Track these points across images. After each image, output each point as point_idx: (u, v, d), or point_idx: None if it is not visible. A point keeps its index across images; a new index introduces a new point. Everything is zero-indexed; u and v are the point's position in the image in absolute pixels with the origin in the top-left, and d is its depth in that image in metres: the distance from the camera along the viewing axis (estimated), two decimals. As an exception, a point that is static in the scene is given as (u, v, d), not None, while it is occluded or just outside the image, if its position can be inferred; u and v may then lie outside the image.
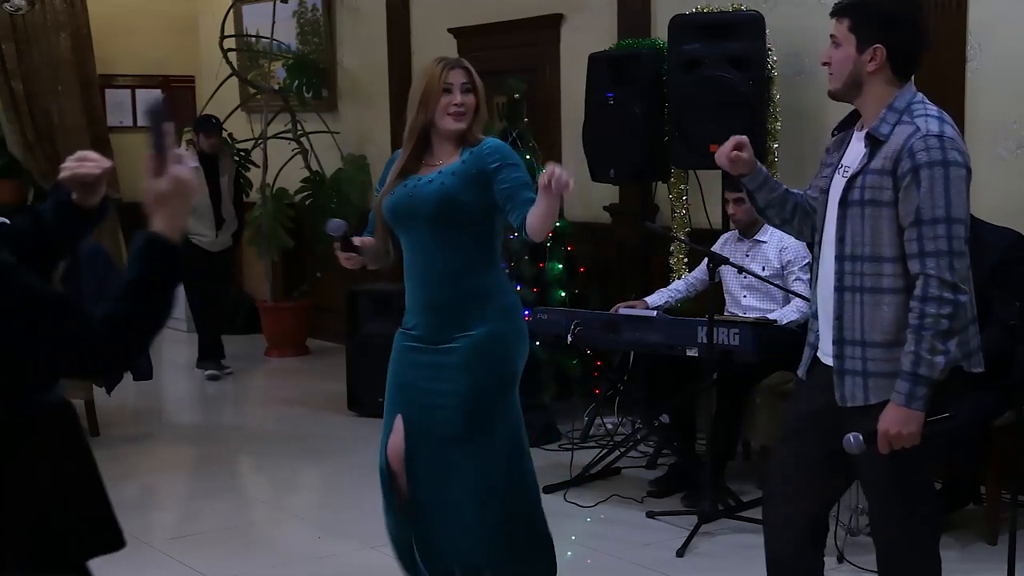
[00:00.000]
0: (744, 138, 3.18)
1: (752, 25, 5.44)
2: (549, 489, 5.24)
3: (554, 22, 6.99)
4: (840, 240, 2.98)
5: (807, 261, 5.10)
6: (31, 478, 2.12)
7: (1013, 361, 4.03)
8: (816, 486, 3.16)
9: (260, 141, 8.36)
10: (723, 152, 3.17)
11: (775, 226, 3.41)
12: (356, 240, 3.54)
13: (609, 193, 6.57)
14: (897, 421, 2.84)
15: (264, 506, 5.48)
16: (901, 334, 2.90)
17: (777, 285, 5.06)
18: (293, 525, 5.06)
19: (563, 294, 6.08)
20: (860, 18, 2.97)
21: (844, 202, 2.97)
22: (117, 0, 9.40)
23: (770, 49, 5.47)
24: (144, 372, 6.30)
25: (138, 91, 9.56)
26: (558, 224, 6.20)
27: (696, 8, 5.72)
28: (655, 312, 5.13)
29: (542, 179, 3.15)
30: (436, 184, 3.44)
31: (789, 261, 5.11)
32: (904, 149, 2.87)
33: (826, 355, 3.07)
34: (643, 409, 5.57)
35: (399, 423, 3.54)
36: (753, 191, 3.27)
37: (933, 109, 2.94)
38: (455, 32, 7.56)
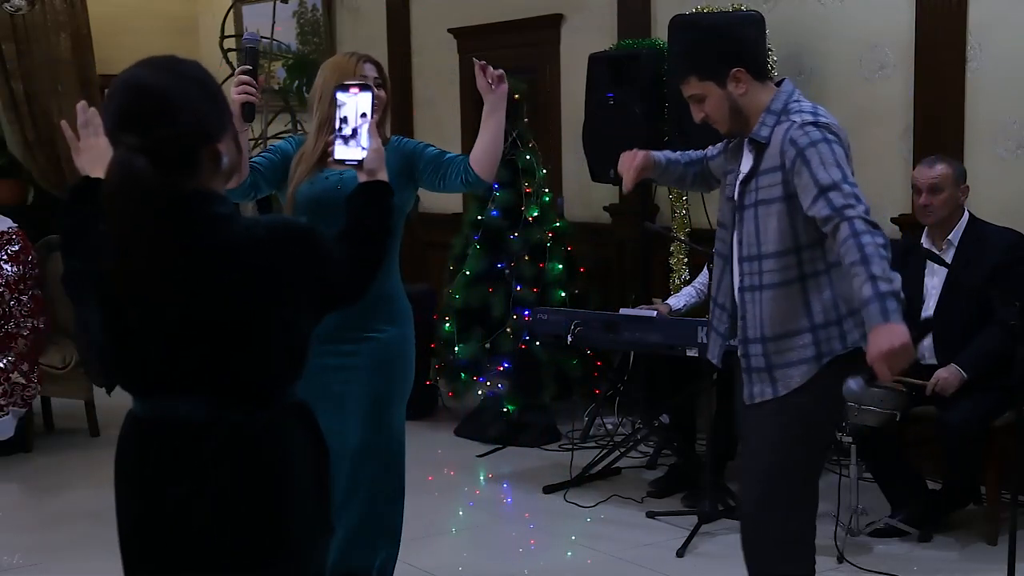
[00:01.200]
0: (638, 156, 3.35)
1: (752, 25, 5.43)
2: (549, 489, 5.25)
3: (554, 22, 6.99)
4: (739, 243, 3.09)
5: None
6: (301, 467, 2.14)
7: (1013, 361, 4.03)
8: None
9: (260, 141, 8.36)
10: (627, 183, 3.38)
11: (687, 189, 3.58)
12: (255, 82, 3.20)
13: (609, 193, 6.57)
14: (884, 339, 2.75)
15: (264, 506, 5.47)
16: (799, 322, 3.00)
17: (777, 285, 5.06)
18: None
19: (563, 294, 6.08)
20: (702, 66, 3.10)
21: (740, 206, 3.09)
22: (117, 0, 9.40)
23: (770, 49, 5.47)
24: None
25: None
26: (557, 224, 6.21)
27: (696, 8, 5.72)
28: (655, 312, 5.13)
29: (481, 82, 3.23)
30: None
31: (789, 261, 5.10)
32: (785, 141, 2.98)
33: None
34: (643, 409, 5.57)
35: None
36: (662, 183, 3.50)
37: (807, 104, 3.07)
38: (455, 32, 7.56)
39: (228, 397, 2.04)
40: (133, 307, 1.98)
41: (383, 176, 2.33)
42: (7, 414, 5.73)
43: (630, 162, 3.36)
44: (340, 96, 2.37)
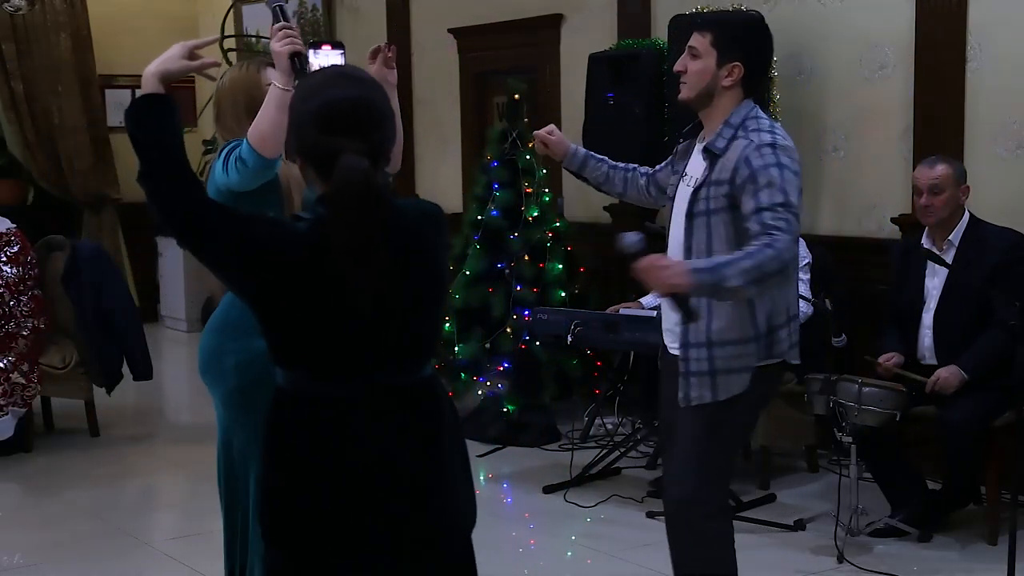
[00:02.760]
0: (551, 126, 3.55)
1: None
2: (549, 489, 5.25)
3: (554, 22, 6.99)
4: (687, 249, 3.14)
5: (807, 261, 5.10)
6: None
7: (1013, 361, 4.03)
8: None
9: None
10: (536, 134, 3.55)
11: (616, 197, 3.68)
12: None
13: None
14: (674, 273, 2.83)
15: (264, 506, 5.47)
16: (745, 330, 3.08)
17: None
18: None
19: (563, 294, 6.08)
20: (724, 35, 3.17)
21: (690, 214, 3.14)
22: (117, 0, 9.41)
23: (770, 49, 5.46)
24: (144, 372, 6.30)
25: (138, 91, 9.56)
26: (557, 224, 6.20)
27: (696, 8, 5.72)
28: (655, 312, 5.12)
29: (377, 68, 3.09)
30: None
31: (789, 261, 5.10)
32: (740, 159, 3.05)
33: (669, 343, 3.30)
34: (643, 409, 5.57)
35: None
36: (577, 172, 3.58)
37: (766, 123, 3.12)
38: (455, 32, 7.56)
39: (426, 360, 2.33)
40: (361, 290, 2.14)
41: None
42: (7, 414, 5.73)
43: (542, 132, 3.55)
44: (312, 57, 2.45)
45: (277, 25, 2.99)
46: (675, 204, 3.26)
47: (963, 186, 4.61)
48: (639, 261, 2.82)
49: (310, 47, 2.42)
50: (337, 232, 2.13)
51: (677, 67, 3.24)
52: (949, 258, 4.52)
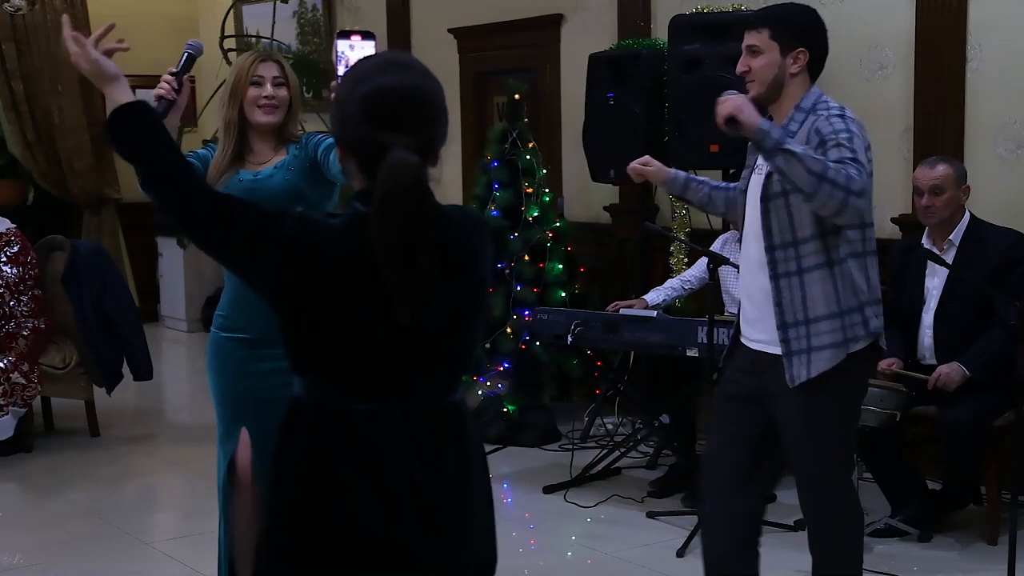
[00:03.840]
0: (646, 157, 3.56)
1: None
2: (549, 489, 5.25)
3: (554, 22, 6.99)
4: (768, 232, 3.17)
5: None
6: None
7: (1013, 361, 4.03)
8: (751, 473, 3.34)
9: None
10: (632, 169, 3.55)
11: (720, 216, 3.72)
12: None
13: (609, 193, 6.57)
14: (739, 105, 2.99)
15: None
16: (822, 308, 3.13)
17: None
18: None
19: (563, 294, 6.08)
20: (781, 26, 3.21)
21: (765, 197, 3.17)
22: (117, 0, 9.40)
23: (770, 49, 5.47)
24: (144, 372, 6.30)
25: (138, 91, 9.53)
26: (557, 224, 6.21)
27: (696, 8, 5.72)
28: (655, 312, 5.13)
29: None
30: (278, 179, 3.35)
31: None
32: (811, 130, 3.09)
33: (753, 341, 3.27)
34: (643, 409, 5.57)
35: (246, 436, 3.35)
36: (680, 195, 3.59)
37: (836, 105, 3.16)
38: (455, 32, 7.56)
39: (458, 381, 2.15)
40: (402, 299, 1.99)
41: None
42: (7, 414, 5.73)
43: (637, 165, 3.55)
44: (340, 44, 2.30)
45: (170, 69, 3.08)
46: (748, 196, 3.29)
47: (964, 186, 4.61)
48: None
49: (338, 36, 2.28)
50: (381, 234, 1.96)
51: (740, 69, 3.26)
52: (949, 258, 4.52)
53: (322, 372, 2.05)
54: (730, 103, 3.00)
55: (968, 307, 4.51)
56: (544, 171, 6.22)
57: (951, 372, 4.43)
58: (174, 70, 3.09)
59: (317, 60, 8.70)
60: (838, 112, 3.12)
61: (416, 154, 1.99)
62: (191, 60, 3.14)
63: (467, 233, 2.12)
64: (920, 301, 4.66)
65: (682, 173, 3.58)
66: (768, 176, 3.16)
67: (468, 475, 2.14)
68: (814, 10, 3.32)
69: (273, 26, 8.52)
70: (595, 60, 6.00)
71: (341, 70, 2.25)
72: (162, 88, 3.02)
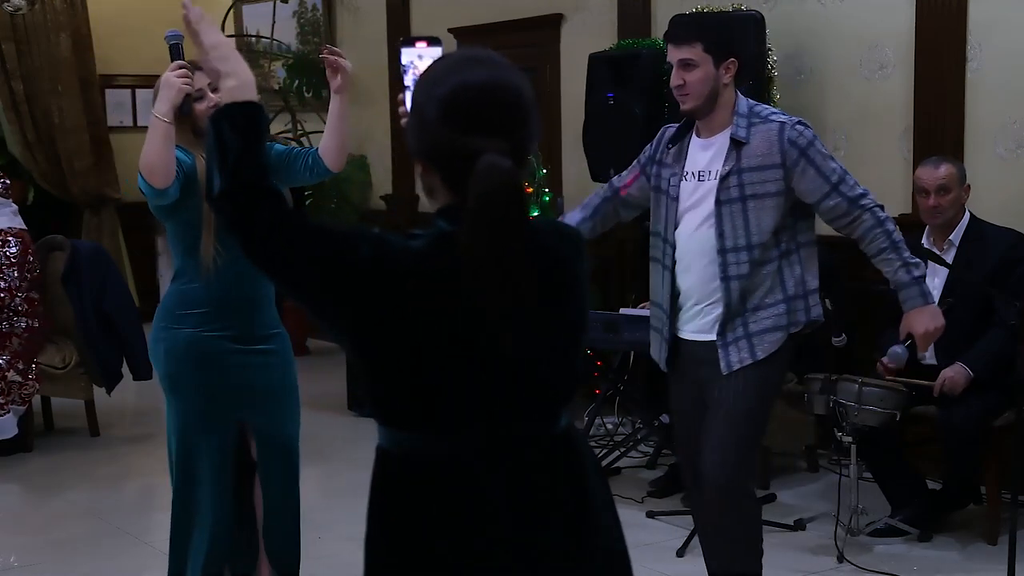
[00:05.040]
0: None
1: (752, 25, 5.43)
2: (549, 489, 5.24)
3: (554, 22, 6.99)
4: (720, 235, 3.32)
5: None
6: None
7: (1014, 361, 4.03)
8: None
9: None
10: None
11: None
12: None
13: (609, 193, 6.57)
14: (928, 318, 3.37)
15: (264, 506, 5.47)
16: (767, 297, 3.34)
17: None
18: (293, 525, 5.06)
19: (563, 294, 6.07)
20: (713, 39, 3.36)
21: (719, 201, 3.32)
22: (117, 0, 9.40)
23: (770, 49, 5.47)
24: (144, 372, 6.30)
25: (138, 91, 9.56)
26: (558, 224, 6.20)
27: (696, 8, 5.72)
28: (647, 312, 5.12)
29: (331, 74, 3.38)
30: None
31: (789, 261, 5.11)
32: (784, 142, 3.30)
33: (691, 333, 3.45)
34: (643, 409, 5.56)
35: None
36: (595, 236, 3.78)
37: (775, 110, 3.44)
38: (455, 32, 7.56)
39: (563, 408, 1.90)
40: (502, 324, 1.76)
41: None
42: (7, 412, 5.73)
43: None
44: (406, 53, 2.13)
45: (175, 63, 3.20)
46: (681, 202, 3.42)
47: (965, 186, 4.62)
48: (920, 335, 3.44)
49: (401, 45, 2.10)
50: (476, 252, 1.72)
51: (674, 82, 3.37)
52: (949, 258, 4.52)
53: (408, 417, 1.81)
54: (930, 337, 3.46)
55: (968, 307, 4.51)
56: (544, 171, 6.22)
57: (955, 376, 4.42)
58: (180, 62, 3.17)
59: (317, 60, 8.69)
60: (794, 118, 3.35)
61: (509, 158, 1.76)
62: (179, 48, 3.22)
63: (563, 249, 1.92)
64: (920, 301, 4.66)
65: (582, 225, 3.68)
66: (722, 180, 3.32)
67: (588, 513, 1.87)
68: (742, 17, 3.49)
69: (273, 26, 8.52)
70: (595, 60, 6.00)
71: (409, 81, 2.05)
72: (189, 83, 3.17)
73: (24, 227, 6.00)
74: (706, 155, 3.40)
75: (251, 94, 1.88)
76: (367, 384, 1.83)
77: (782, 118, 3.35)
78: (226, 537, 3.46)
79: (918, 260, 3.36)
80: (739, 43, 3.44)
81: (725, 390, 3.37)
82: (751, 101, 3.41)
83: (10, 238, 5.89)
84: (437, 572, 1.80)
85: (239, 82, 1.89)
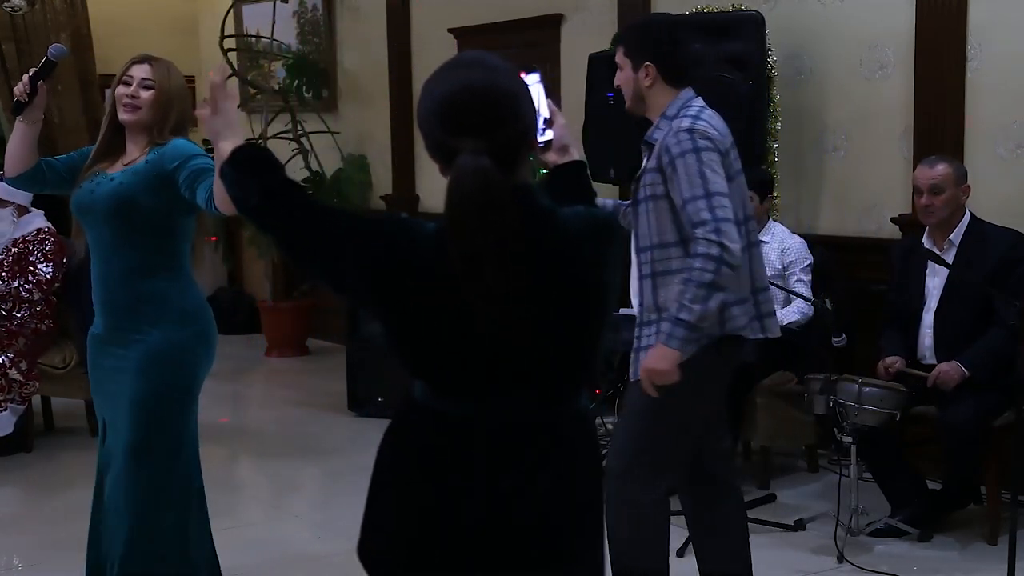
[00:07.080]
0: None
1: (752, 25, 5.43)
2: (549, 489, 5.24)
3: (554, 22, 6.99)
4: (636, 235, 3.37)
5: (808, 262, 5.11)
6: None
7: (1013, 361, 4.03)
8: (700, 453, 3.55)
9: (260, 141, 8.36)
10: None
11: None
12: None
13: (609, 193, 6.56)
14: (656, 358, 3.18)
15: (264, 506, 5.48)
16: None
17: (778, 286, 5.04)
18: (293, 525, 5.06)
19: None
20: (630, 43, 3.41)
21: (635, 201, 3.38)
22: (117, 0, 9.40)
23: (770, 49, 5.47)
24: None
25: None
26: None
27: (696, 8, 5.72)
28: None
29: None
30: (116, 183, 3.40)
31: (791, 262, 5.11)
32: (662, 147, 3.28)
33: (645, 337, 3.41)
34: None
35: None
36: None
37: (694, 110, 3.32)
38: (455, 32, 7.56)
39: (560, 392, 2.01)
40: (486, 307, 1.88)
41: (575, 154, 2.59)
42: (5, 410, 5.73)
43: None
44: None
45: (34, 73, 3.43)
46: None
47: (963, 186, 4.61)
48: (642, 371, 3.25)
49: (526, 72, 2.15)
50: (454, 247, 1.87)
51: (615, 84, 3.47)
52: (950, 258, 4.52)
53: (422, 374, 1.99)
54: (651, 376, 3.21)
55: (968, 307, 4.51)
56: (544, 171, 6.20)
57: (950, 370, 4.43)
58: (33, 71, 3.30)
59: (317, 60, 8.70)
60: (687, 124, 3.25)
61: (487, 157, 1.87)
62: (50, 65, 3.35)
63: (585, 236, 1.98)
64: (920, 301, 4.66)
65: (610, 201, 3.75)
66: (636, 182, 3.36)
67: (565, 491, 1.99)
68: (664, 22, 3.52)
69: (273, 26, 8.52)
70: (595, 60, 5.99)
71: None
72: (16, 90, 3.37)
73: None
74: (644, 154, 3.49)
75: (225, 151, 2.16)
76: (394, 343, 2.00)
77: (680, 123, 3.27)
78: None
79: (694, 307, 3.12)
80: (662, 45, 3.38)
81: (630, 396, 3.43)
82: (690, 103, 3.34)
83: (49, 236, 5.95)
84: (420, 516, 1.96)
85: (234, 145, 2.15)
